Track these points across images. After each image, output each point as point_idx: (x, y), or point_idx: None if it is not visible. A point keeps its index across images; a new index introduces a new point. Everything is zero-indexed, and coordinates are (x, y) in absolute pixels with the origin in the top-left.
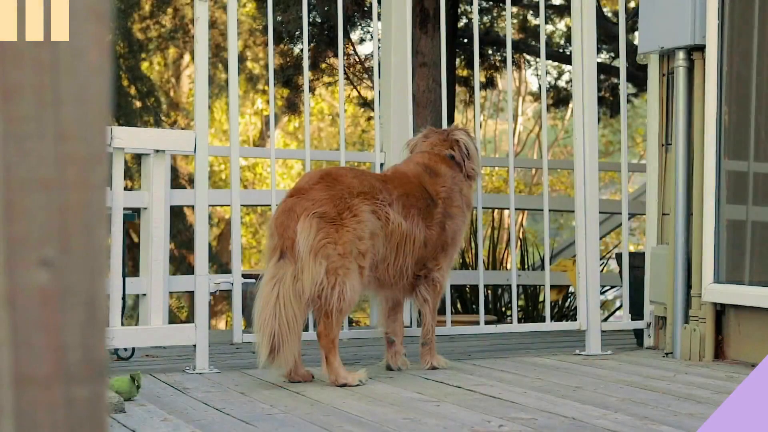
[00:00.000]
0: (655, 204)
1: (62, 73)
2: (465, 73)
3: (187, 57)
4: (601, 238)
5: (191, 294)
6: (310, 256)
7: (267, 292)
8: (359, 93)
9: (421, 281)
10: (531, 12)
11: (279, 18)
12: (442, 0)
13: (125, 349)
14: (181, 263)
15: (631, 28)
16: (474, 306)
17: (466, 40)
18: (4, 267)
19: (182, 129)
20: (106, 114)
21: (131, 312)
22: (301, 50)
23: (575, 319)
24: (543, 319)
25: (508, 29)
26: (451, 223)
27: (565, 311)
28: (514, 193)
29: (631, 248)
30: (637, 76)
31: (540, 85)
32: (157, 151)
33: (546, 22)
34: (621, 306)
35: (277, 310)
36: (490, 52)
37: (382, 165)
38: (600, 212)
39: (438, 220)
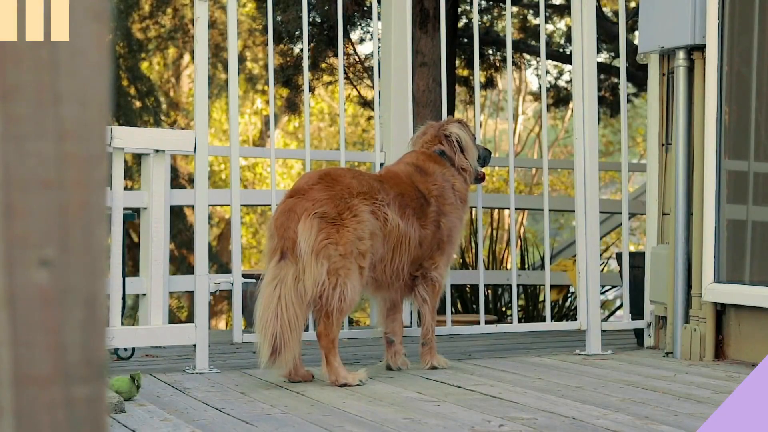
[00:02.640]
0: (656, 204)
1: (62, 72)
2: (465, 72)
3: (186, 57)
4: (601, 238)
5: (191, 294)
6: (312, 257)
7: (269, 293)
8: (359, 93)
9: (419, 281)
10: (531, 12)
11: (279, 18)
12: (442, 0)
13: (125, 349)
14: (181, 263)
15: (631, 27)
16: (474, 306)
17: (466, 40)
18: (4, 267)
19: (182, 129)
20: (106, 114)
21: (131, 312)
22: (301, 50)
23: (575, 319)
24: (543, 319)
25: (508, 29)
26: (446, 221)
27: (565, 311)
28: (514, 193)
29: (632, 248)
30: (637, 75)
31: (540, 85)
32: (157, 150)
33: (546, 22)
34: (621, 306)
35: (279, 311)
36: (490, 51)
37: (382, 165)
38: (600, 212)
39: (432, 219)
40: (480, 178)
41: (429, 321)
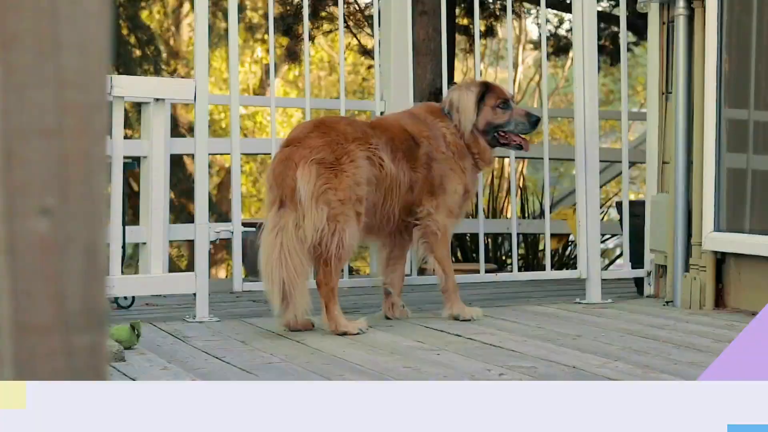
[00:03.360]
0: (656, 152)
1: (62, 21)
2: (465, 21)
3: (186, 6)
4: (601, 187)
5: (191, 243)
6: (312, 202)
7: (270, 242)
8: (359, 41)
9: (421, 232)
10: None
11: None
12: None
13: (125, 298)
14: (181, 212)
15: None
16: (474, 254)
17: None
18: (4, 215)
19: (182, 78)
20: (106, 62)
21: (131, 261)
22: None
23: (575, 268)
24: (543, 268)
25: None
26: (437, 166)
27: (565, 260)
28: None
29: (632, 197)
30: (638, 24)
31: (540, 34)
32: (157, 99)
33: None
34: (621, 254)
35: (283, 258)
36: (489, 0)
37: (382, 113)
38: (600, 161)
39: (423, 162)
40: (512, 144)
41: (440, 271)
